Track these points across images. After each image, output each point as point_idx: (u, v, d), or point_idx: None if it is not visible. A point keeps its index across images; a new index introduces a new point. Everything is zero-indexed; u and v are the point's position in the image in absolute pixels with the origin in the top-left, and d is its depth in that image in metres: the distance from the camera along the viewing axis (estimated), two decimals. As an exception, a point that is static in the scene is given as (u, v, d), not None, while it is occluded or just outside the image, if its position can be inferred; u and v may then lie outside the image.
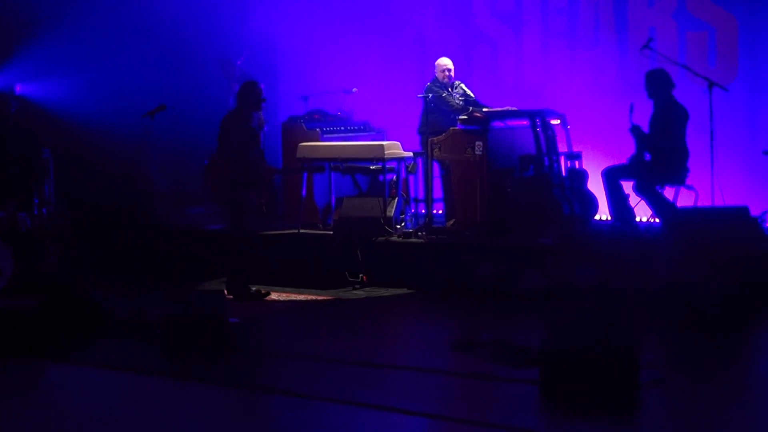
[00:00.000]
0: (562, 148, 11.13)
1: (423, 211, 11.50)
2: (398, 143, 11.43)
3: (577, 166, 11.05)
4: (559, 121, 11.23)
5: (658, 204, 10.34)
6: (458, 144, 10.80)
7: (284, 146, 12.35)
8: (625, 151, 10.76)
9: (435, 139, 10.94)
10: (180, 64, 13.75)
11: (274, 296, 10.28)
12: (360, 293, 10.38)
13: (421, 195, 11.65)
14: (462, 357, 7.79)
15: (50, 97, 13.72)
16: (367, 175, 11.52)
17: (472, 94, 11.55)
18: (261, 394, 7.14)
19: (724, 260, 9.08)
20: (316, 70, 13.55)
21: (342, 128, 12.38)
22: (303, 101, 12.94)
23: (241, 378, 7.45)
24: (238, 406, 6.92)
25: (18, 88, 13.47)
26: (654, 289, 9.30)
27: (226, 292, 10.10)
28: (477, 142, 10.69)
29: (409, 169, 11.42)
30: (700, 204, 10.49)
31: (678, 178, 10.37)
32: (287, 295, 10.37)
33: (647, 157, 10.37)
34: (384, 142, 11.37)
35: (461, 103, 11.40)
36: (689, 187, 10.47)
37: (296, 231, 11.36)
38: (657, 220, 10.73)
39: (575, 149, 11.15)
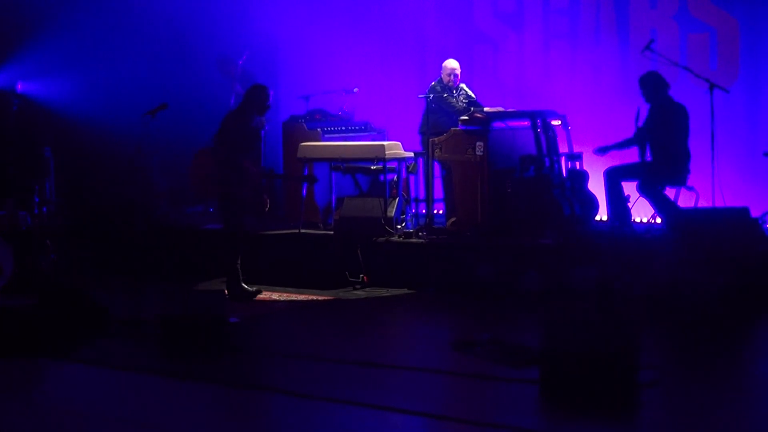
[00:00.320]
0: (562, 148, 11.12)
1: (423, 211, 11.50)
2: (399, 143, 11.42)
3: (577, 167, 11.04)
4: (560, 122, 11.22)
5: (661, 204, 10.33)
6: (459, 144, 10.79)
7: (285, 146, 12.35)
8: (626, 152, 10.75)
9: (436, 139, 10.94)
10: (181, 63, 13.76)
11: (274, 296, 10.28)
12: (360, 293, 10.38)
13: (421, 195, 11.65)
14: (462, 357, 7.78)
15: (51, 95, 13.73)
16: (368, 175, 11.51)
17: (473, 96, 11.55)
18: (261, 393, 7.13)
19: (724, 261, 9.09)
20: (317, 70, 13.55)
21: (343, 128, 12.38)
22: (304, 101, 12.94)
23: (241, 378, 7.44)
24: (238, 405, 6.91)
25: (19, 87, 13.48)
26: (654, 289, 9.30)
27: (226, 291, 10.09)
28: (478, 143, 10.69)
29: (409, 169, 11.41)
30: (700, 205, 10.49)
31: (680, 179, 10.37)
32: (288, 294, 10.37)
33: (649, 158, 10.37)
34: (385, 142, 11.37)
35: (463, 104, 11.39)
36: (690, 188, 10.46)
37: (297, 231, 11.36)
38: (658, 221, 10.72)
39: (576, 150, 11.15)
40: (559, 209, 10.51)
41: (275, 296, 10.29)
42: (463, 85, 11.56)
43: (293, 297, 10.29)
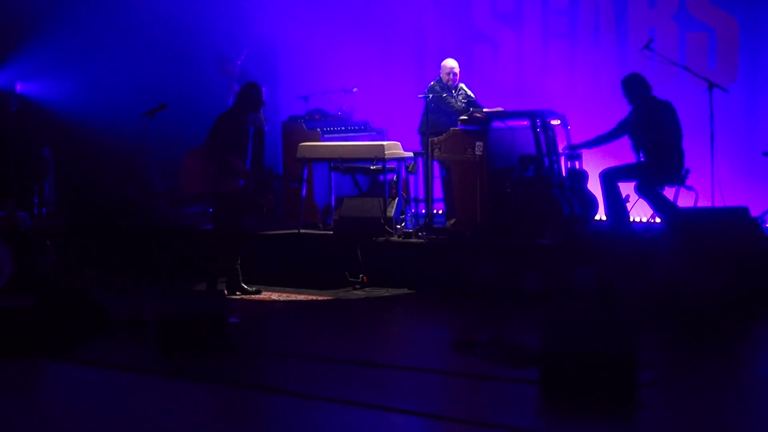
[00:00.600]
0: (562, 148, 11.11)
1: (423, 211, 11.49)
2: (398, 143, 11.42)
3: (577, 167, 11.03)
4: (559, 122, 11.21)
5: (660, 204, 10.33)
6: (458, 144, 10.79)
7: (284, 146, 12.36)
8: (625, 152, 10.75)
9: (435, 139, 10.94)
10: (180, 63, 13.74)
11: (274, 296, 10.29)
12: (360, 293, 10.38)
13: (421, 195, 11.65)
14: (461, 357, 7.78)
15: (50, 96, 13.72)
16: (368, 175, 11.51)
17: (473, 95, 11.54)
18: (261, 394, 7.13)
19: (724, 261, 9.08)
20: (317, 70, 13.55)
21: (342, 128, 12.38)
22: (303, 101, 12.94)
23: (241, 378, 7.44)
24: (237, 405, 6.91)
25: (18, 87, 13.47)
26: (654, 289, 9.30)
27: (226, 291, 10.09)
28: (477, 143, 10.69)
29: (409, 169, 11.41)
30: (700, 204, 10.48)
31: (676, 178, 10.36)
32: (287, 295, 10.37)
33: (642, 158, 10.37)
34: (384, 142, 11.37)
35: (463, 104, 11.39)
36: (689, 188, 10.46)
37: (296, 231, 11.36)
38: (657, 221, 10.72)
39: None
40: (558, 209, 10.51)
41: (275, 296, 10.29)
42: (462, 85, 11.56)
43: (293, 297, 10.29)
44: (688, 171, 10.39)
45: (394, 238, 10.86)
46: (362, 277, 10.57)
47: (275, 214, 12.41)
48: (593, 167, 10.96)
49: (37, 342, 8.15)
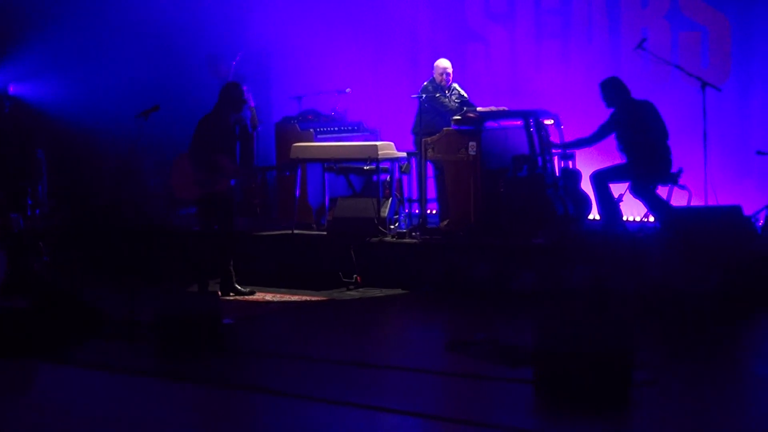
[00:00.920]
0: (555, 148, 11.10)
1: (417, 211, 11.48)
2: (392, 143, 11.41)
3: (570, 166, 11.03)
4: (552, 122, 11.21)
5: (653, 204, 10.33)
6: (452, 144, 10.78)
7: (278, 146, 12.34)
8: (612, 154, 10.74)
9: (429, 139, 10.93)
10: (174, 64, 13.71)
11: (268, 297, 10.27)
12: (354, 294, 10.37)
13: (414, 195, 11.63)
14: (456, 357, 7.77)
15: (44, 97, 13.69)
16: (361, 176, 11.49)
17: (466, 95, 11.54)
18: (255, 394, 7.11)
19: (717, 259, 9.09)
20: (310, 71, 13.53)
21: (336, 128, 12.36)
22: (296, 101, 12.93)
23: (235, 379, 7.43)
24: (232, 407, 6.89)
25: (11, 89, 13.44)
26: (648, 288, 9.30)
27: (220, 293, 10.08)
28: (470, 143, 10.68)
29: (402, 169, 11.40)
30: (693, 203, 10.48)
31: (668, 176, 10.35)
32: (281, 295, 10.35)
33: (627, 158, 10.37)
34: (378, 143, 11.36)
35: (456, 104, 11.38)
36: (682, 187, 10.46)
37: (290, 231, 11.35)
38: (650, 220, 10.72)
39: (569, 149, 11.13)
40: (552, 209, 10.51)
41: (269, 297, 10.28)
42: (455, 85, 11.55)
43: (287, 298, 10.28)
44: (681, 170, 10.39)
45: (388, 239, 10.85)
46: (356, 277, 10.56)
47: (269, 215, 12.40)
48: (587, 167, 10.95)
49: (32, 344, 8.12)
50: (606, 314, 8.87)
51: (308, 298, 10.23)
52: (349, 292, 10.42)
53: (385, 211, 10.97)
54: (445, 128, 10.94)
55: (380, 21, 13.45)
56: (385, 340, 9.01)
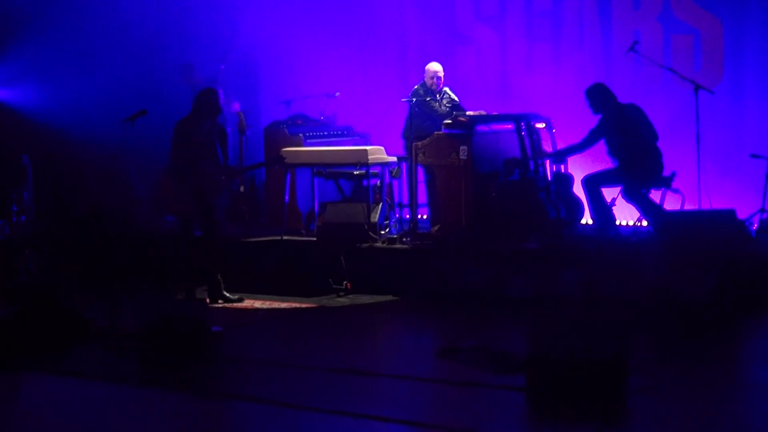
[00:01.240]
0: (546, 157, 11.08)
1: (407, 216, 11.46)
2: (382, 148, 11.38)
3: (562, 170, 11.02)
4: (544, 125, 11.21)
5: (646, 208, 10.33)
6: (443, 148, 10.76)
7: (266, 152, 12.29)
8: (602, 159, 10.72)
9: (419, 143, 10.90)
10: (162, 68, 13.67)
11: (257, 304, 10.23)
12: (344, 300, 10.33)
13: (405, 200, 11.61)
14: (447, 364, 7.74)
15: (29, 102, 13.63)
16: (351, 181, 11.47)
17: (457, 99, 11.51)
18: (244, 403, 7.07)
19: (711, 264, 9.08)
20: (299, 74, 13.50)
21: (325, 133, 12.34)
22: (285, 106, 12.90)
23: (223, 388, 7.39)
24: (219, 416, 6.85)
25: (-4, 94, 13.40)
26: (642, 293, 9.28)
27: (208, 300, 10.03)
28: (461, 147, 10.66)
29: (393, 174, 11.37)
30: (686, 207, 10.47)
31: (661, 180, 10.34)
32: (270, 302, 10.31)
33: (618, 163, 10.35)
34: (368, 147, 11.32)
35: (447, 108, 11.36)
36: (675, 191, 10.44)
37: (279, 237, 11.31)
38: (644, 224, 10.71)
39: (560, 157, 11.09)
40: (544, 213, 10.49)
41: (258, 304, 10.23)
42: (446, 89, 11.52)
43: (276, 305, 10.23)
44: (674, 174, 10.38)
45: (379, 244, 10.81)
46: (346, 283, 10.52)
47: (257, 221, 12.37)
48: (579, 170, 10.93)
49: (16, 353, 8.06)
50: (599, 320, 8.83)
51: (298, 305, 10.19)
52: (339, 299, 10.38)
53: (375, 217, 10.94)
54: (435, 132, 10.92)
55: (369, 24, 13.43)
56: (376, 347, 8.97)
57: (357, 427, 6.45)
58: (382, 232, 11.00)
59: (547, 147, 11.12)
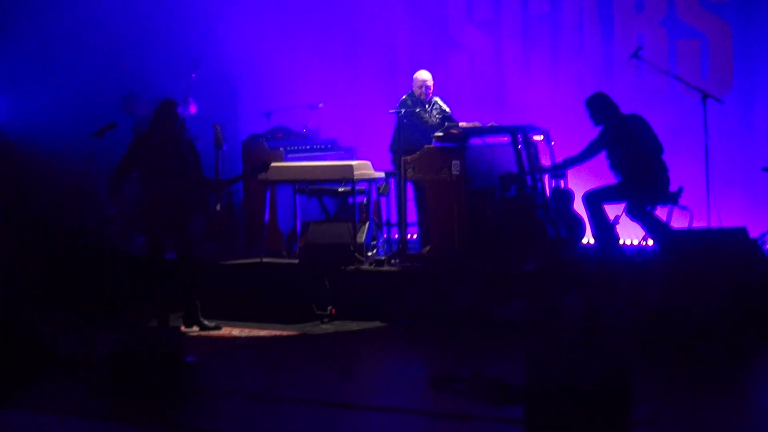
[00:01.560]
0: (546, 165, 11.11)
1: (396, 236, 11.47)
2: (368, 163, 11.40)
3: (562, 186, 11.05)
4: (542, 137, 11.24)
5: (652, 226, 10.35)
6: (433, 163, 10.77)
7: (245, 167, 12.28)
8: (604, 174, 10.75)
9: (408, 157, 10.92)
10: (133, 79, 13.67)
11: (235, 332, 10.22)
12: (328, 327, 10.33)
13: (393, 219, 11.62)
14: (440, 395, 7.74)
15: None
16: (336, 198, 11.49)
17: (448, 110, 11.54)
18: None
19: (721, 285, 9.08)
20: (279, 84, 13.53)
21: (307, 147, 12.35)
22: (265, 118, 12.92)
23: (198, 423, 7.39)
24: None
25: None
26: (647, 317, 9.29)
27: (183, 326, 10.02)
28: (454, 161, 10.68)
29: (380, 190, 11.39)
30: (695, 225, 10.50)
31: (666, 195, 10.37)
32: (249, 330, 10.31)
33: (622, 177, 10.38)
34: (353, 162, 11.34)
35: (438, 119, 11.38)
36: (683, 207, 10.48)
37: (258, 260, 11.30)
38: (649, 243, 10.73)
39: (558, 171, 11.13)
40: (542, 232, 10.51)
41: (236, 332, 10.23)
42: (436, 99, 11.55)
43: (255, 332, 10.23)
44: (681, 189, 10.40)
45: (365, 267, 10.82)
46: (330, 309, 10.53)
47: (235, 242, 12.36)
48: (580, 186, 10.95)
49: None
50: (602, 346, 8.84)
51: (278, 333, 10.19)
52: (323, 326, 10.38)
53: (361, 237, 10.95)
54: (426, 146, 10.93)
55: (355, 30, 13.47)
56: (363, 378, 8.96)
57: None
58: (369, 254, 11.01)
59: (546, 160, 11.16)
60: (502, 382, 7.67)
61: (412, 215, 11.43)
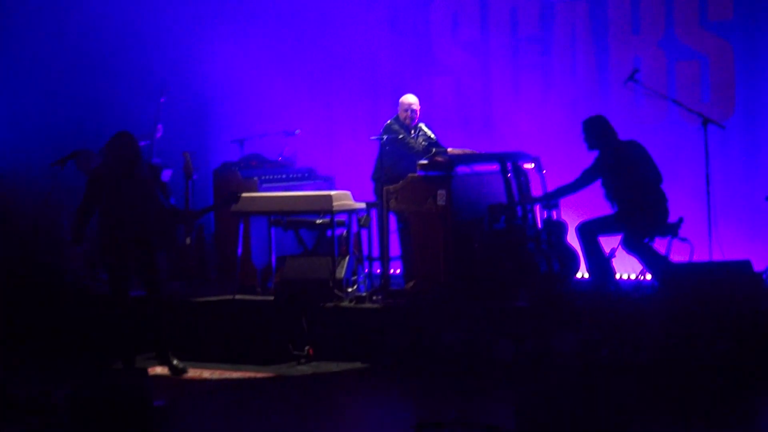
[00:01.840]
0: (537, 195, 11.13)
1: (378, 271, 11.46)
2: (348, 193, 11.40)
3: (554, 217, 11.06)
4: (533, 165, 11.26)
5: (650, 259, 10.37)
6: (418, 193, 10.78)
7: (216, 198, 12.28)
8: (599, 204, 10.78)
9: (391, 187, 10.93)
10: (96, 106, 13.67)
11: (205, 374, 10.19)
12: (305, 369, 10.31)
13: (375, 252, 11.60)
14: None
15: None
16: (313, 231, 11.49)
17: (433, 136, 11.55)
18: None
19: (725, 323, 9.10)
20: (253, 109, 13.56)
21: (283, 176, 12.37)
22: (238, 145, 12.91)
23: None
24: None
25: None
26: (645, 357, 9.30)
27: (157, 367, 9.98)
28: (439, 191, 10.69)
29: (361, 222, 11.39)
30: (696, 258, 10.52)
31: (665, 227, 10.39)
32: (221, 372, 10.27)
33: (618, 207, 10.41)
34: (332, 192, 11.34)
35: (423, 146, 11.39)
36: (683, 239, 10.49)
37: (231, 297, 11.27)
38: (647, 278, 10.75)
39: (551, 201, 11.15)
40: (534, 266, 10.51)
41: (206, 374, 10.19)
42: (421, 125, 11.58)
43: (227, 375, 10.20)
44: (681, 220, 10.43)
45: (345, 304, 10.81)
46: (308, 349, 10.50)
47: (206, 278, 12.33)
48: (573, 217, 10.98)
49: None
50: (598, 388, 8.84)
51: (252, 375, 10.16)
52: (299, 367, 10.35)
53: (341, 272, 10.94)
54: (409, 174, 10.94)
55: (334, 52, 13.50)
56: (343, 424, 8.94)
57: None
58: (350, 290, 11.00)
59: (537, 190, 11.18)
60: (492, 427, 7.66)
61: (395, 249, 11.43)
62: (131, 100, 13.38)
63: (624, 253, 10.49)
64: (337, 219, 11.12)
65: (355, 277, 11.20)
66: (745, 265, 9.68)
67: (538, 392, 7.28)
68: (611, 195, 10.47)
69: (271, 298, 11.15)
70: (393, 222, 11.32)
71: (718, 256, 10.59)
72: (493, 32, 12.93)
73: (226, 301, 11.27)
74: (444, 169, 10.79)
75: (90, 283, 12.55)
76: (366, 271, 11.50)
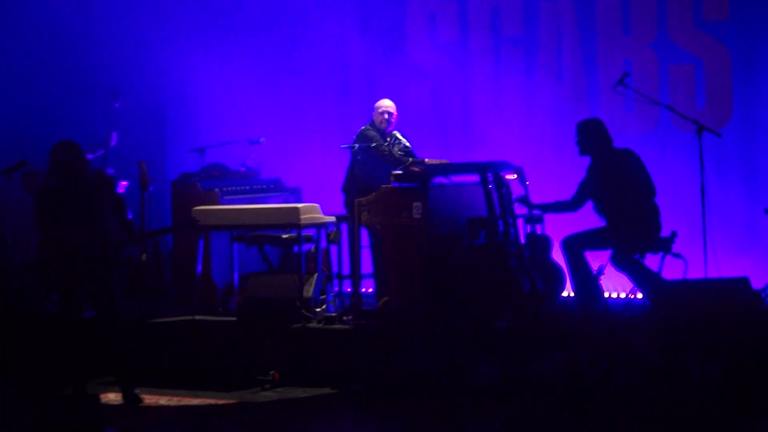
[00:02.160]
0: (520, 208, 11.17)
1: (349, 289, 11.47)
2: (317, 206, 11.42)
3: (538, 231, 11.09)
4: (515, 176, 11.28)
5: (640, 276, 10.41)
6: (392, 205, 10.79)
7: (174, 211, 12.31)
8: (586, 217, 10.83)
9: (363, 199, 10.93)
10: (45, 112, 13.65)
11: (162, 401, 10.17)
12: (271, 395, 10.30)
13: (346, 270, 11.61)
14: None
15: None
16: (279, 246, 11.49)
17: (408, 145, 11.56)
18: None
19: (720, 343, 9.14)
20: (215, 116, 13.56)
21: (247, 187, 12.37)
22: (198, 154, 12.91)
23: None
24: None
25: None
26: (636, 379, 9.32)
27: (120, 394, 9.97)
28: (415, 203, 10.70)
29: (330, 237, 11.40)
30: (690, 276, 10.56)
31: (658, 242, 10.44)
32: (179, 398, 10.26)
33: (607, 221, 10.46)
34: (299, 205, 11.36)
35: (399, 155, 11.41)
36: (677, 255, 10.54)
37: (190, 317, 11.26)
38: (638, 296, 10.79)
39: (536, 210, 11.20)
40: (516, 284, 10.53)
41: (163, 401, 10.18)
42: (396, 133, 11.57)
43: (186, 401, 10.19)
44: (674, 234, 10.48)
45: (313, 324, 10.81)
46: (273, 374, 10.50)
47: (163, 297, 12.30)
48: (559, 231, 11.01)
49: None
50: (586, 414, 8.89)
51: (213, 402, 10.14)
52: (264, 393, 10.35)
53: (309, 290, 10.95)
54: (383, 185, 10.95)
55: (302, 53, 13.53)
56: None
57: None
58: (318, 310, 11.01)
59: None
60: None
61: (366, 266, 11.44)
62: (83, 105, 13.38)
63: (613, 270, 10.53)
64: (304, 234, 11.13)
65: (324, 296, 11.20)
66: (743, 282, 9.73)
67: (522, 419, 7.31)
68: (600, 207, 10.52)
69: (234, 318, 11.12)
70: (365, 237, 11.31)
71: (713, 273, 10.63)
72: (473, 33, 12.97)
73: (184, 322, 11.24)
74: (420, 179, 10.79)
75: (39, 304, 12.53)
76: (336, 289, 11.51)
